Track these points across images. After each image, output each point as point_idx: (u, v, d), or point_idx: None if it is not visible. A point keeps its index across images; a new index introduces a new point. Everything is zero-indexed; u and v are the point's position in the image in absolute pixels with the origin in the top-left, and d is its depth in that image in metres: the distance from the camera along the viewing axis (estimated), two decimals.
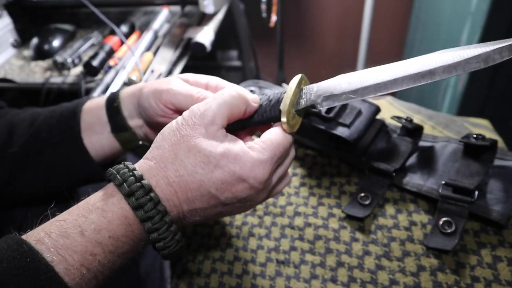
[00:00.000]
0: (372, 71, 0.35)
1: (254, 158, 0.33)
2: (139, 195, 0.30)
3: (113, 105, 0.47)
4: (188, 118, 0.34)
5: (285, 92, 0.38)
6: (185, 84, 0.43)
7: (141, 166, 0.33)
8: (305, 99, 0.37)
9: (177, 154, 0.32)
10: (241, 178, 0.33)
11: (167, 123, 0.44)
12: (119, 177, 0.31)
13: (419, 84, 0.32)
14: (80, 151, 0.47)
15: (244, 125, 0.39)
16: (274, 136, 0.35)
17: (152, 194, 0.31)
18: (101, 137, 0.48)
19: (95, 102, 0.49)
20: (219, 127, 0.34)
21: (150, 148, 0.34)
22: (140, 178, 0.31)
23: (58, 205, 0.53)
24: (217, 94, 0.35)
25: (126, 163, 0.33)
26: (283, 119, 0.36)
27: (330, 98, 0.36)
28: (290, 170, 0.57)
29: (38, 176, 0.49)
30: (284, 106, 0.36)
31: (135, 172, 0.32)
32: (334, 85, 0.36)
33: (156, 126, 0.46)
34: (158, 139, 0.34)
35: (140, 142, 0.49)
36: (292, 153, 0.39)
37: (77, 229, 0.29)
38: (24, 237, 0.29)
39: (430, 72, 0.31)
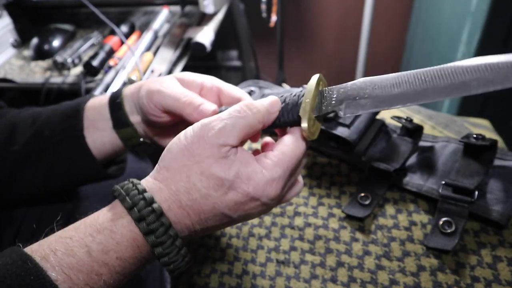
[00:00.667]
0: (401, 76, 0.32)
1: (267, 177, 0.32)
2: (150, 220, 0.30)
3: (115, 101, 0.47)
4: (199, 137, 0.32)
5: (303, 95, 0.35)
6: (176, 85, 0.43)
7: (151, 188, 0.32)
8: (325, 104, 0.34)
9: (189, 177, 0.31)
10: (255, 197, 0.32)
11: (158, 122, 0.44)
12: (128, 199, 0.30)
13: (453, 96, 0.29)
14: (82, 149, 0.47)
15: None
16: (287, 148, 0.34)
17: (163, 220, 0.30)
18: (103, 134, 0.48)
19: (98, 100, 0.49)
20: (231, 147, 0.32)
21: (158, 167, 0.33)
22: (151, 201, 0.30)
23: (58, 204, 0.54)
24: (234, 111, 0.33)
25: (135, 181, 0.32)
26: (304, 125, 0.33)
27: (352, 105, 0.33)
28: None
29: (39, 175, 0.49)
30: (304, 112, 0.33)
31: (145, 194, 0.30)
32: (357, 89, 0.33)
33: (151, 124, 0.46)
34: (166, 158, 0.33)
35: (141, 139, 0.49)
36: (304, 160, 0.37)
37: (84, 248, 0.29)
38: (28, 251, 0.28)
39: (464, 84, 0.28)
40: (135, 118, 0.47)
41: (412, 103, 0.30)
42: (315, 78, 0.36)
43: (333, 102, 0.34)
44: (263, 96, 0.63)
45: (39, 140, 0.48)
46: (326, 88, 0.36)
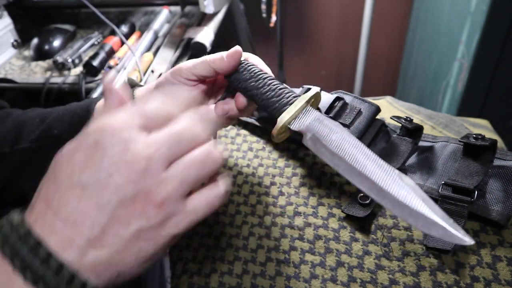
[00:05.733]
0: (379, 165, 0.35)
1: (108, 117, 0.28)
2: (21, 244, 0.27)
3: None
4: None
5: (291, 103, 0.37)
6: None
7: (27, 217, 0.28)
8: (300, 122, 0.37)
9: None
10: (98, 142, 0.26)
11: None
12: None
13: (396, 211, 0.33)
14: None
15: (236, 86, 0.40)
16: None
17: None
18: None
19: None
20: None
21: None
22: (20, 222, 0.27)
23: None
24: None
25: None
26: (274, 132, 0.36)
27: (317, 143, 0.36)
28: (290, 170, 0.57)
29: (44, 173, 0.49)
30: (281, 120, 0.36)
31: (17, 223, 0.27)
32: (328, 131, 0.36)
33: None
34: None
35: None
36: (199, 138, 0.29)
37: None
38: None
39: (408, 208, 0.33)
40: None
41: (348, 178, 0.35)
42: (311, 93, 0.38)
43: (303, 127, 0.37)
44: None
45: (47, 138, 0.48)
46: (311, 108, 0.38)
